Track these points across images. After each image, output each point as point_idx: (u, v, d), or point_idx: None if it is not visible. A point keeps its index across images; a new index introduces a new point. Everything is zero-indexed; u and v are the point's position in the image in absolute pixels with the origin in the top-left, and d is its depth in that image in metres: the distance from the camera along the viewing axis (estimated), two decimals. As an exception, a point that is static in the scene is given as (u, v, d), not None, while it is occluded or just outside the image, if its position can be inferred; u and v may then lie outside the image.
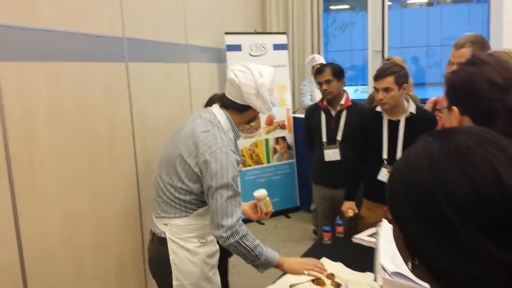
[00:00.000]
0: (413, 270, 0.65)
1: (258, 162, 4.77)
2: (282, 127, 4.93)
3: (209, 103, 2.86)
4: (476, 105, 1.09)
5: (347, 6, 15.77)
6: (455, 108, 1.12)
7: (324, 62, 5.54)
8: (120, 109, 2.71)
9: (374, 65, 6.35)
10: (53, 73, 2.13)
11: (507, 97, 1.05)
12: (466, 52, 2.24)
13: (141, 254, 2.91)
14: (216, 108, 1.84)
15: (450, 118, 1.15)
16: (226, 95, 1.84)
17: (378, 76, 2.49)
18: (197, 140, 1.70)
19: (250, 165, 4.73)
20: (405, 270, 1.16)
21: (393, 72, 2.45)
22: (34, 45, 2.01)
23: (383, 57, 6.32)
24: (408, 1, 16.42)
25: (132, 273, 2.82)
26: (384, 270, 1.17)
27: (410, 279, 1.15)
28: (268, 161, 4.89)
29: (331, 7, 15.58)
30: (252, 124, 4.66)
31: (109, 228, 2.55)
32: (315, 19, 6.06)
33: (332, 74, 2.92)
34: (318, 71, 2.99)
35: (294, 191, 5.04)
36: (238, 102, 1.80)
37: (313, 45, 6.15)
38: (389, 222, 0.74)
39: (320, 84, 2.96)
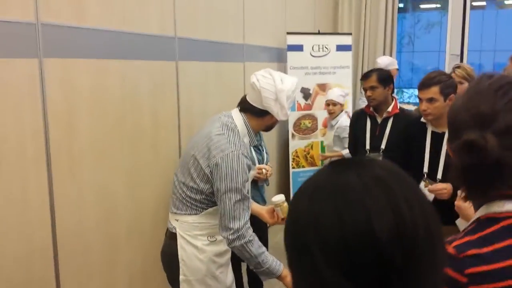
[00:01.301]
0: None
1: (313, 163, 4.73)
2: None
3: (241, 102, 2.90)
4: None
5: (437, 5, 14.91)
6: None
7: (396, 66, 5.33)
8: (166, 105, 2.83)
9: (450, 69, 5.99)
10: (98, 70, 2.28)
11: None
12: None
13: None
14: (235, 112, 1.89)
15: None
16: (247, 99, 1.87)
17: (422, 86, 2.37)
18: (211, 142, 1.75)
19: (303, 166, 4.70)
20: None
21: (439, 81, 2.31)
22: (81, 43, 2.18)
23: (461, 61, 5.93)
24: (506, 2, 15.11)
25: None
26: None
27: None
28: (322, 163, 4.82)
29: (421, 6, 14.83)
30: (308, 124, 4.63)
31: (146, 218, 2.68)
32: (389, 19, 5.84)
33: (377, 80, 2.81)
34: (364, 76, 2.90)
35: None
36: (257, 106, 1.82)
37: (385, 46, 5.94)
38: None
39: (365, 90, 2.87)
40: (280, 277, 1.79)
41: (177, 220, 1.86)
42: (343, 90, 3.92)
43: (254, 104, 1.83)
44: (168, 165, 2.85)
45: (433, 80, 2.33)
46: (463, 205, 1.36)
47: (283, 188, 4.70)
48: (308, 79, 4.63)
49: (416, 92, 2.73)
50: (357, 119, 3.07)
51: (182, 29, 2.92)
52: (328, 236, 0.54)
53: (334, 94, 3.86)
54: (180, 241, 1.83)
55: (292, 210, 0.62)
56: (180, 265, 1.83)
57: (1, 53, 1.82)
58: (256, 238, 1.73)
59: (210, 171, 1.74)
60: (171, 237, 1.87)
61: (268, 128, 1.95)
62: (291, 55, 4.58)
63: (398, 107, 2.89)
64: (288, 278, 1.79)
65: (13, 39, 1.87)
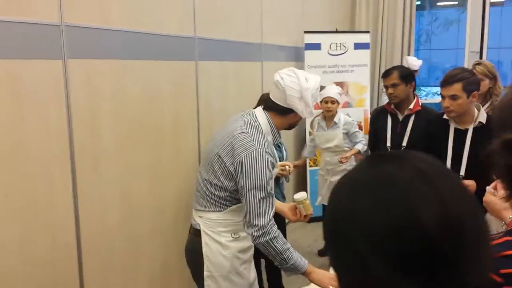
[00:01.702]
0: None
1: (331, 162, 4.70)
2: (359, 128, 4.80)
3: (260, 101, 2.91)
4: None
5: (455, 2, 14.72)
6: None
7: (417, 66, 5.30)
8: (186, 104, 2.86)
9: (470, 67, 5.91)
10: (120, 70, 2.32)
11: None
12: None
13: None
14: (259, 110, 1.89)
15: None
16: (271, 97, 1.88)
17: (445, 83, 2.34)
18: (235, 140, 1.76)
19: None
20: None
21: (461, 78, 2.28)
22: (103, 44, 2.21)
23: (481, 58, 5.85)
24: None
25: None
26: None
27: None
28: (341, 162, 4.79)
29: (437, 3, 14.66)
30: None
31: (168, 216, 2.71)
32: (407, 17, 5.78)
33: (399, 77, 2.79)
34: (385, 74, 2.87)
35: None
36: (281, 104, 1.83)
37: (403, 44, 5.89)
38: None
39: (386, 87, 2.85)
40: (305, 273, 1.78)
41: (201, 217, 1.87)
42: (339, 88, 3.67)
43: (278, 102, 1.83)
44: (188, 164, 2.88)
45: (456, 77, 2.30)
46: (492, 200, 1.34)
47: (301, 186, 4.70)
48: (326, 78, 4.60)
49: (433, 89, 2.71)
50: (378, 116, 3.05)
51: (202, 29, 2.94)
52: (375, 229, 0.54)
53: (333, 91, 3.51)
54: (204, 238, 1.85)
55: (333, 206, 0.62)
56: (205, 261, 1.85)
57: (26, 54, 1.86)
58: (281, 235, 1.74)
59: (234, 168, 1.75)
60: (195, 233, 1.88)
61: (291, 126, 1.95)
62: (308, 54, 4.57)
63: (420, 104, 2.86)
64: (313, 274, 1.79)
65: (38, 40, 1.91)
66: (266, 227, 1.70)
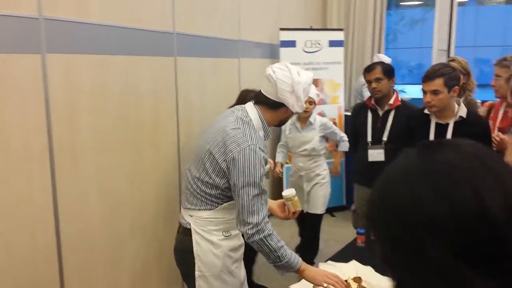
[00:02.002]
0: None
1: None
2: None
3: (240, 97, 2.89)
4: None
5: (420, 2, 15.13)
6: None
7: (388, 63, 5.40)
8: (166, 100, 2.81)
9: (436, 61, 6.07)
10: (99, 65, 2.25)
11: None
12: None
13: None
14: (249, 106, 1.86)
15: None
16: (262, 91, 1.85)
17: (427, 78, 2.38)
18: (227, 137, 1.73)
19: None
20: None
21: (443, 74, 2.33)
22: (83, 39, 2.13)
23: (448, 56, 6.02)
24: (486, -2, 15.46)
25: (169, 259, 2.90)
26: None
27: None
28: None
29: (402, 3, 15.03)
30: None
31: (148, 213, 2.66)
32: (378, 16, 5.88)
33: (382, 72, 2.81)
34: (368, 68, 2.89)
35: (341, 189, 4.95)
36: (272, 98, 1.80)
37: (374, 42, 5.98)
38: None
39: (369, 82, 2.86)
40: (298, 271, 1.77)
41: (192, 216, 1.83)
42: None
43: (269, 96, 1.81)
44: (168, 160, 2.83)
45: (437, 72, 2.35)
46: None
47: (276, 183, 4.70)
48: (302, 75, 4.62)
49: (399, 87, 2.78)
50: (359, 112, 3.07)
51: (181, 25, 2.89)
52: (436, 217, 0.53)
53: (313, 91, 3.22)
54: (195, 237, 1.81)
55: (387, 195, 0.59)
56: (196, 260, 1.80)
57: (4, 48, 1.78)
58: (275, 232, 1.72)
59: (227, 165, 1.71)
60: (185, 233, 1.84)
61: (281, 122, 1.92)
62: (284, 51, 4.57)
63: (400, 100, 2.91)
64: (306, 271, 1.78)
65: (16, 34, 1.82)
66: (260, 224, 1.67)
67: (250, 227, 1.67)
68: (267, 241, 1.68)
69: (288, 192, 1.97)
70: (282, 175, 3.24)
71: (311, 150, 3.29)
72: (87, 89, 2.17)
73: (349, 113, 4.96)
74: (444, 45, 6.09)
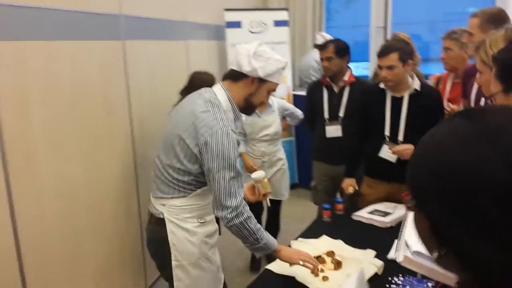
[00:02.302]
0: (439, 260, 0.61)
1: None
2: (283, 105, 4.88)
3: (191, 80, 2.83)
4: None
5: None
6: None
7: (322, 40, 5.48)
8: (116, 88, 2.67)
9: (376, 41, 6.25)
10: (49, 52, 2.09)
11: None
12: (473, 22, 2.19)
13: (140, 233, 2.92)
14: (217, 88, 1.80)
15: (508, 101, 1.07)
16: (231, 68, 1.81)
17: (382, 53, 2.44)
18: (197, 120, 1.66)
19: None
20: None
21: (396, 49, 2.39)
22: (30, 24, 1.96)
23: (385, 33, 6.22)
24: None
25: (131, 252, 2.83)
26: (407, 247, 1.15)
27: (430, 259, 1.13)
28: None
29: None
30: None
31: (107, 207, 2.54)
32: (317, -6, 5.94)
33: (334, 51, 2.84)
34: (321, 47, 2.91)
35: (293, 168, 5.03)
36: (234, 68, 1.79)
37: (314, 21, 6.05)
38: (409, 209, 0.71)
39: (321, 60, 2.89)
40: (274, 252, 1.77)
41: (164, 205, 1.76)
42: None
43: (232, 67, 1.78)
44: (122, 149, 2.72)
45: (391, 47, 2.41)
46: None
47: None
48: (249, 56, 4.58)
49: None
50: (314, 89, 3.09)
51: (127, 6, 2.74)
52: (497, 182, 0.52)
53: None
54: (169, 226, 1.74)
55: (440, 160, 0.57)
56: (172, 250, 1.74)
57: None
58: (252, 215, 1.70)
59: (199, 150, 1.65)
60: (158, 223, 1.77)
61: (248, 103, 1.84)
62: (230, 32, 4.51)
63: (354, 76, 2.96)
64: (282, 252, 1.78)
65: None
66: (239, 207, 1.64)
67: (229, 211, 1.63)
68: (246, 224, 1.65)
69: (257, 174, 1.95)
70: (257, 167, 3.15)
71: (273, 135, 3.22)
72: (37, 78, 2.01)
73: (297, 92, 5.03)
74: (381, 22, 6.28)
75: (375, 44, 6.31)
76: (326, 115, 2.96)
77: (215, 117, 1.66)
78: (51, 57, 2.11)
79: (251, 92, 1.82)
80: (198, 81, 2.88)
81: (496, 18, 2.15)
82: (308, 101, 3.17)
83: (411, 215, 1.36)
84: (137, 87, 2.89)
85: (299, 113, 3.35)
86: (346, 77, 2.91)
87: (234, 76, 1.78)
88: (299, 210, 4.35)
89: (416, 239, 1.21)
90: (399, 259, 1.13)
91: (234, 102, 1.78)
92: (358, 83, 2.92)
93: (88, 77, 2.39)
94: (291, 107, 3.38)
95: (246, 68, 1.73)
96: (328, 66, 2.86)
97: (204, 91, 1.79)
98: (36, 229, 2.01)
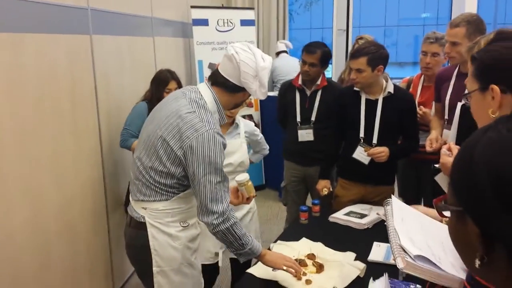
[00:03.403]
0: (478, 269, 0.60)
1: (225, 140, 4.68)
2: (249, 105, 4.85)
3: (156, 78, 2.79)
4: None
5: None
6: (495, 88, 1.06)
7: (284, 48, 5.52)
8: (84, 83, 2.55)
9: (338, 44, 6.36)
10: (14, 45, 1.95)
11: None
12: (459, 32, 2.23)
13: (107, 236, 2.80)
14: (203, 87, 1.72)
15: (485, 100, 1.09)
16: (220, 71, 1.72)
17: (352, 56, 2.47)
18: (182, 122, 1.59)
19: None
20: (426, 253, 1.13)
21: (366, 53, 2.40)
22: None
23: (347, 36, 6.33)
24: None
25: (99, 255, 2.71)
26: (405, 252, 1.14)
27: (432, 263, 1.12)
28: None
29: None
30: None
31: (74, 207, 2.42)
32: (281, -5, 5.96)
33: (319, 59, 2.81)
34: (309, 50, 2.85)
35: (260, 169, 5.01)
36: (232, 81, 1.68)
37: (278, 22, 6.07)
38: (441, 215, 0.68)
39: (304, 62, 2.85)
40: (259, 256, 1.73)
41: (145, 208, 1.67)
42: None
43: (229, 79, 1.68)
44: (89, 147, 2.61)
45: (362, 51, 2.42)
46: (449, 161, 1.44)
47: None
48: (215, 55, 4.51)
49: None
50: (286, 92, 3.07)
51: (95, 0, 2.61)
52: None
53: None
54: (150, 231, 1.66)
55: (497, 171, 0.56)
56: (153, 256, 1.66)
57: None
58: (238, 219, 1.65)
59: (183, 153, 1.58)
60: (139, 227, 1.67)
61: (235, 106, 1.82)
62: (197, 30, 4.42)
63: (326, 80, 2.96)
64: (267, 256, 1.75)
65: None
66: (226, 213, 1.59)
67: (215, 216, 1.58)
68: (233, 229, 1.60)
69: (241, 177, 1.90)
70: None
71: (237, 165, 2.41)
72: (2, 71, 1.86)
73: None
74: (343, 25, 6.39)
75: (337, 46, 6.42)
76: (298, 118, 2.94)
77: (201, 119, 1.59)
78: (17, 50, 1.97)
79: (243, 101, 1.81)
80: (165, 78, 2.82)
81: (481, 27, 2.21)
82: (280, 102, 3.14)
83: (395, 218, 1.37)
84: (105, 83, 2.77)
85: (266, 148, 2.76)
86: (319, 81, 2.90)
87: (230, 88, 1.70)
88: (267, 212, 4.34)
89: (411, 242, 1.21)
90: (400, 265, 1.12)
91: (221, 105, 1.72)
92: (330, 87, 2.92)
93: (55, 71, 2.26)
94: (260, 134, 2.70)
95: (251, 87, 1.67)
96: (309, 72, 2.83)
97: (188, 90, 1.71)
98: (3, 235, 1.87)
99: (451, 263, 1.14)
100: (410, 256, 1.13)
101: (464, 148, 0.63)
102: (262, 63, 1.65)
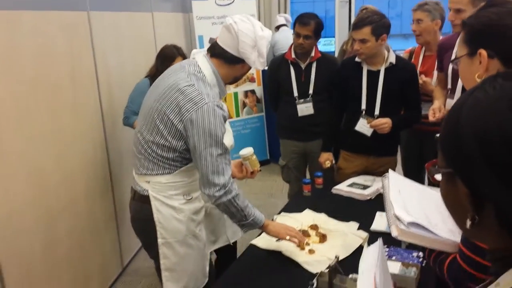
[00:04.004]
0: (470, 229, 0.60)
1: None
2: (251, 80, 4.82)
3: (161, 54, 2.76)
4: (510, 44, 1.03)
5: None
6: (483, 52, 1.06)
7: (284, 22, 5.44)
8: (83, 61, 2.54)
9: (341, 15, 6.27)
10: (10, 23, 1.94)
11: None
12: None
13: (113, 211, 2.83)
14: (201, 60, 1.71)
15: (473, 65, 1.09)
16: (219, 43, 1.70)
17: (355, 26, 2.42)
18: (180, 95, 1.58)
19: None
20: (421, 220, 1.14)
21: (370, 22, 2.36)
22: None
23: (350, 7, 6.23)
24: None
25: (106, 231, 2.75)
26: (399, 220, 1.14)
27: (426, 229, 1.13)
28: (238, 115, 4.80)
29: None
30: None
31: (79, 185, 2.44)
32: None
33: (313, 30, 2.76)
34: (302, 22, 2.81)
35: (264, 144, 5.02)
36: (231, 52, 1.67)
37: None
38: (433, 179, 0.69)
39: (298, 35, 2.80)
40: (262, 227, 1.75)
41: (148, 182, 1.68)
42: None
43: (227, 50, 1.67)
44: (91, 124, 2.62)
45: (365, 21, 2.38)
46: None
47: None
48: (216, 30, 4.44)
49: None
50: (278, 67, 2.97)
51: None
52: None
53: None
54: (154, 204, 1.68)
55: (483, 128, 0.56)
56: (157, 228, 1.68)
57: None
58: (241, 191, 1.66)
59: (184, 126, 1.58)
60: (143, 200, 1.69)
61: (235, 80, 1.80)
62: (196, 4, 4.37)
63: (319, 51, 2.92)
64: (270, 226, 1.77)
65: None
66: (227, 185, 1.60)
67: (217, 189, 1.59)
68: (235, 201, 1.62)
69: (245, 151, 1.90)
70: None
71: (229, 147, 2.33)
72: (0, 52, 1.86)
73: (265, 68, 4.96)
74: (346, -5, 6.28)
75: (339, 18, 6.33)
76: (295, 93, 2.90)
77: (200, 92, 1.59)
78: (14, 27, 1.95)
79: (242, 73, 1.79)
80: (171, 53, 2.79)
81: None
82: (273, 79, 3.04)
83: (392, 190, 1.37)
84: (104, 59, 2.76)
85: None
86: (312, 53, 2.85)
87: (229, 59, 1.68)
88: (271, 186, 4.37)
89: (404, 210, 1.22)
90: (394, 233, 1.14)
91: (221, 77, 1.71)
92: (324, 59, 2.87)
93: (54, 49, 2.25)
94: None
95: (249, 57, 1.66)
96: (304, 45, 2.79)
97: (187, 64, 1.70)
98: (8, 214, 1.90)
99: (449, 229, 1.15)
100: (404, 224, 1.14)
101: (452, 110, 0.63)
102: (261, 33, 1.64)
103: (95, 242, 2.60)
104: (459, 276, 1.05)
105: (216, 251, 2.09)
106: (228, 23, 1.64)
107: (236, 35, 1.62)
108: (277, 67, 3.00)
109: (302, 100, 2.90)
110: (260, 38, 1.63)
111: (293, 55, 2.89)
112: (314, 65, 2.87)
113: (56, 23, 2.27)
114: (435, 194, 1.34)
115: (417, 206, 1.24)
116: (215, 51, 1.69)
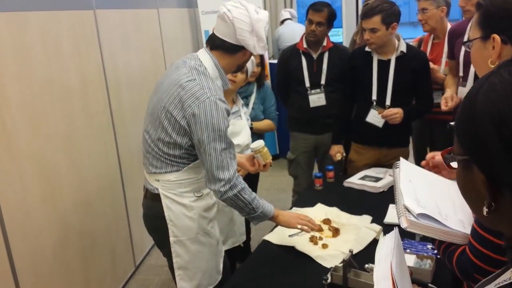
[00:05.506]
0: (487, 216, 0.59)
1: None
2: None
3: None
4: None
5: None
6: (496, 37, 1.02)
7: (289, 16, 5.39)
8: (90, 60, 2.53)
9: (348, 6, 6.19)
10: (18, 24, 1.94)
11: None
12: None
13: (125, 211, 2.84)
14: (202, 53, 1.69)
15: (485, 50, 1.06)
16: (216, 33, 1.68)
17: (365, 15, 2.37)
18: (183, 90, 1.56)
19: (228, 115, 4.61)
20: (431, 211, 1.12)
21: (380, 11, 2.32)
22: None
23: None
24: None
25: (118, 231, 2.76)
26: (409, 211, 1.12)
27: (436, 220, 1.11)
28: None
29: None
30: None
31: (90, 184, 2.44)
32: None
33: (326, 18, 2.72)
34: (315, 8, 2.76)
35: (274, 139, 4.99)
36: (229, 41, 1.64)
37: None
38: (449, 166, 0.66)
39: (310, 22, 2.77)
40: (272, 218, 1.73)
41: (158, 180, 1.67)
42: None
43: (226, 39, 1.64)
44: (101, 126, 2.62)
45: (375, 10, 2.34)
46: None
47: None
48: (222, 24, 4.43)
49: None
50: (290, 57, 2.93)
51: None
52: None
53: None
54: (165, 202, 1.67)
55: (500, 115, 0.54)
56: (169, 226, 1.67)
57: None
58: (246, 185, 1.64)
59: (187, 122, 1.56)
60: (154, 198, 1.68)
61: (239, 68, 1.79)
62: (201, -1, 4.34)
63: (331, 41, 2.88)
64: (280, 217, 1.75)
65: None
66: (232, 180, 1.58)
67: (222, 184, 1.57)
68: (241, 195, 1.60)
69: (256, 144, 1.88)
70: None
71: (244, 146, 2.37)
72: (9, 53, 1.86)
73: (272, 61, 4.92)
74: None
75: (347, 9, 6.25)
76: (307, 83, 2.86)
77: (202, 86, 1.56)
78: (22, 29, 1.95)
79: (245, 60, 1.76)
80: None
81: None
82: (283, 70, 2.98)
83: (402, 179, 1.34)
84: (112, 58, 2.75)
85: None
86: (324, 43, 2.82)
87: (229, 49, 1.66)
88: (281, 181, 4.34)
89: (415, 201, 1.20)
90: (404, 224, 1.11)
91: (222, 69, 1.68)
92: (335, 49, 2.83)
93: (62, 49, 2.25)
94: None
95: (248, 43, 1.63)
96: (316, 32, 2.74)
97: (188, 58, 1.68)
98: (21, 214, 1.91)
99: (460, 220, 1.12)
100: (414, 215, 1.12)
101: (467, 96, 0.62)
102: (256, 16, 1.60)
103: (107, 242, 2.61)
104: (468, 269, 1.03)
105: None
106: (222, 12, 1.61)
107: (232, 23, 1.59)
108: (288, 57, 2.95)
109: (313, 90, 2.85)
110: (257, 21, 1.60)
111: (304, 45, 2.85)
112: (326, 55, 2.82)
113: (63, 23, 2.27)
114: (448, 182, 1.31)
115: (428, 196, 1.21)
116: (214, 43, 1.67)
